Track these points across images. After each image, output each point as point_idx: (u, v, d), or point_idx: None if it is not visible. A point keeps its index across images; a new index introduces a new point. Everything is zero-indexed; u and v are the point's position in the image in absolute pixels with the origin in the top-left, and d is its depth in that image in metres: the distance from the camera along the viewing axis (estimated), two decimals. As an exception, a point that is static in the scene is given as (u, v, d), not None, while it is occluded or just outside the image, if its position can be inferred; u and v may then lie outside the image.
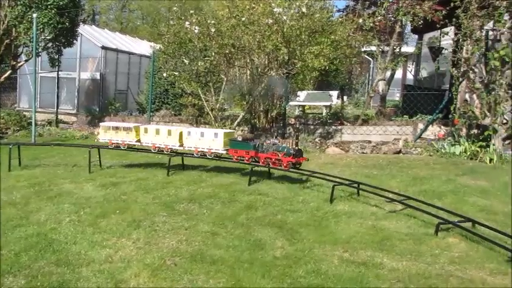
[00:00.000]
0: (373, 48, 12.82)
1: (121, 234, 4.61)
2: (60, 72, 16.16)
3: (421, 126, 10.80)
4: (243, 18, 9.91)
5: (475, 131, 9.10)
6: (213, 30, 10.33)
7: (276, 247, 4.25)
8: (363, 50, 13.76)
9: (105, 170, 7.58)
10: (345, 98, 18.65)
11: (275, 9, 9.73)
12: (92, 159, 7.46)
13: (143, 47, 20.30)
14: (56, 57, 13.92)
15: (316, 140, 10.70)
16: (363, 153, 9.66)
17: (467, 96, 9.47)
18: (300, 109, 15.39)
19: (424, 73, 14.70)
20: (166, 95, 15.16)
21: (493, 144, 8.34)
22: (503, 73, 8.43)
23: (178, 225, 4.82)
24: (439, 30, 10.93)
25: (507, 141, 8.50)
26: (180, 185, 6.38)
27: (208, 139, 6.72)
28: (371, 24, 11.28)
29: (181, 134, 6.97)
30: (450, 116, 9.80)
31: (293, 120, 12.98)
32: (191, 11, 11.01)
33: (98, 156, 7.70)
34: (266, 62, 10.82)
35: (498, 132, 8.48)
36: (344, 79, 18.94)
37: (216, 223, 4.86)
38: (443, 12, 10.19)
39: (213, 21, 10.48)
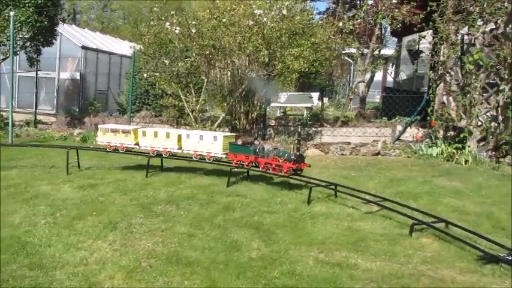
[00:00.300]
0: (353, 50, 12.96)
1: (97, 236, 4.58)
2: (39, 72, 15.95)
3: (399, 128, 10.91)
4: (224, 20, 9.92)
5: (452, 133, 9.26)
6: (193, 30, 10.29)
7: (252, 248, 4.28)
8: (343, 52, 13.89)
9: (84, 171, 7.48)
10: (326, 99, 18.78)
11: (256, 11, 9.74)
12: (70, 160, 7.36)
13: (124, 47, 20.10)
14: (35, 56, 13.76)
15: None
16: (342, 154, 9.73)
17: (444, 98, 9.62)
18: (282, 110, 15.45)
19: (403, 75, 14.92)
20: (147, 96, 15.05)
21: (468, 146, 8.51)
22: (478, 76, 8.59)
23: (155, 227, 4.80)
24: (417, 34, 11.11)
25: (481, 143, 8.68)
26: (158, 186, 6.35)
27: (207, 142, 6.57)
28: (351, 27, 11.42)
29: (179, 137, 6.85)
30: (428, 118, 9.95)
31: (273, 121, 13.03)
32: (172, 12, 10.95)
33: (77, 158, 7.59)
34: (247, 64, 10.83)
35: (473, 134, 8.65)
36: (325, 81, 19.07)
37: (193, 224, 4.86)
38: (421, 15, 10.39)
39: (193, 22, 10.45)
